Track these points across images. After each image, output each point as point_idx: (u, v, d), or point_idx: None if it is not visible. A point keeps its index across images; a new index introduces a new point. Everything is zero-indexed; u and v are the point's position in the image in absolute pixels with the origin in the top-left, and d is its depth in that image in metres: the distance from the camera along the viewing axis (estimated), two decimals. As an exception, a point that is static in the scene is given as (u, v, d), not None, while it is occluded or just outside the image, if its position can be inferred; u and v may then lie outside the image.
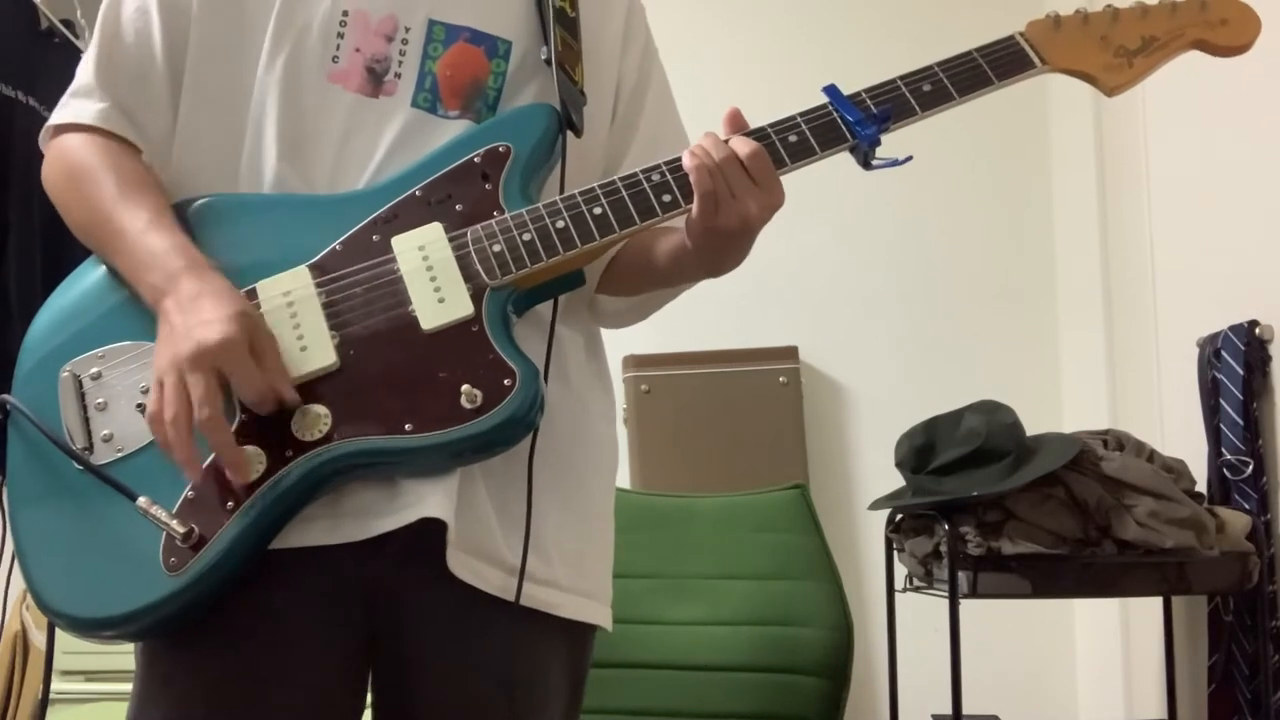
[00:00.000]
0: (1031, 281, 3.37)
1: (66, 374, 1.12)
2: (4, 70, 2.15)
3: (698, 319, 3.26)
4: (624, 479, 3.21)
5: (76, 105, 1.23)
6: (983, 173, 3.39)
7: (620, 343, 3.24)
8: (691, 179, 1.11)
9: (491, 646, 1.13)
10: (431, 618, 1.13)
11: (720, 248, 1.16)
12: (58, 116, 1.24)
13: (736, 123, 1.16)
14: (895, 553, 2.58)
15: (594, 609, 1.23)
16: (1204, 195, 2.63)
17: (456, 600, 1.11)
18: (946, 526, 2.23)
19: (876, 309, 3.38)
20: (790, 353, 3.28)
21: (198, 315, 1.05)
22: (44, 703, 2.57)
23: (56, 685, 2.75)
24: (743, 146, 1.12)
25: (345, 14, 1.20)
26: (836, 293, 3.39)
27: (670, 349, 3.26)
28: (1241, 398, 2.30)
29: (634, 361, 3.28)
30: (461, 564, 1.10)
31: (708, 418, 3.23)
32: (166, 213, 1.16)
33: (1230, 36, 1.22)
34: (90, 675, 2.68)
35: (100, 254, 1.19)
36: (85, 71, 1.24)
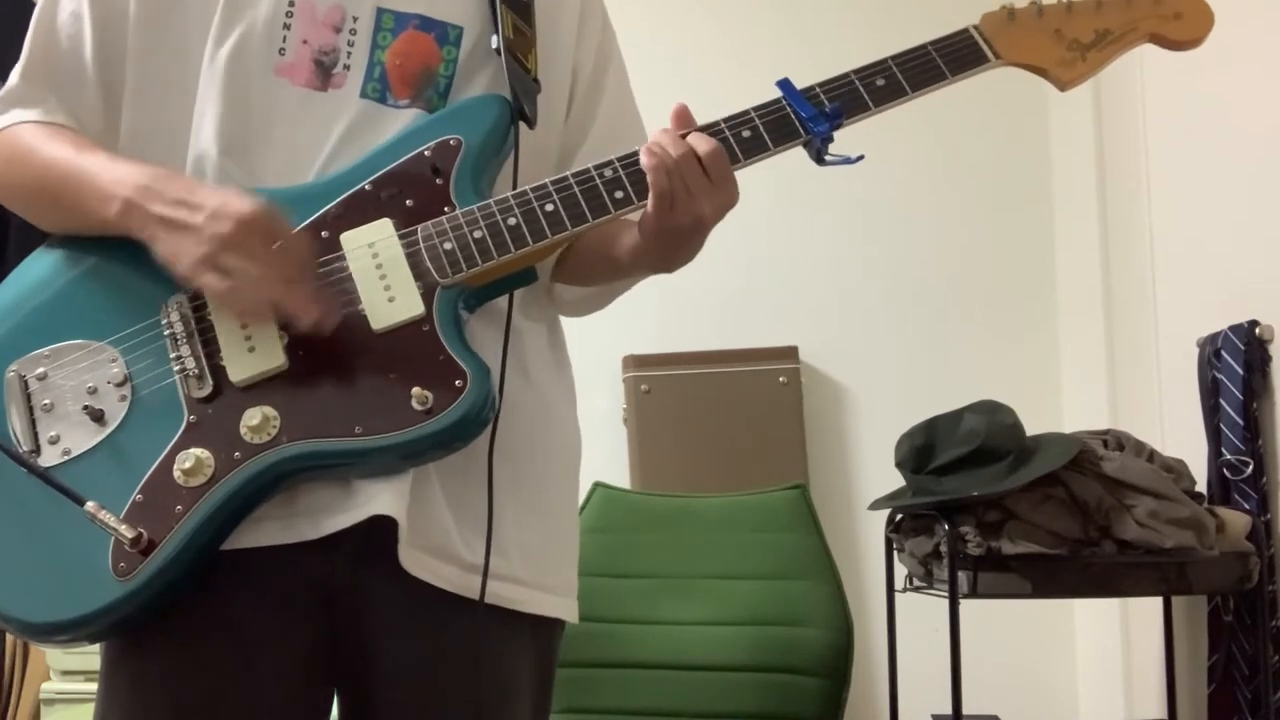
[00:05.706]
0: (1031, 282, 3.36)
1: (12, 375, 1.09)
2: (4, 70, 2.15)
3: (697, 319, 3.28)
4: (624, 479, 3.21)
5: (15, 112, 1.20)
6: (983, 173, 3.38)
7: (620, 343, 3.24)
8: (649, 178, 1.09)
9: (453, 644, 1.12)
10: (391, 616, 1.12)
11: (672, 246, 1.15)
12: None
13: (684, 119, 1.13)
14: (895, 553, 2.58)
15: (557, 603, 1.21)
16: (1204, 195, 2.63)
17: (415, 598, 1.10)
18: (946, 526, 2.23)
19: (876, 309, 3.37)
20: (790, 353, 3.28)
21: (207, 198, 1.04)
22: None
23: (57, 685, 2.75)
24: (701, 144, 1.09)
25: (291, 4, 1.17)
26: (836, 293, 3.38)
27: (670, 349, 3.26)
28: (1241, 398, 2.30)
29: (634, 361, 3.27)
30: (416, 561, 1.09)
31: (707, 418, 3.23)
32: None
33: (1184, 31, 1.19)
34: (90, 675, 2.68)
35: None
36: (17, 77, 1.21)
